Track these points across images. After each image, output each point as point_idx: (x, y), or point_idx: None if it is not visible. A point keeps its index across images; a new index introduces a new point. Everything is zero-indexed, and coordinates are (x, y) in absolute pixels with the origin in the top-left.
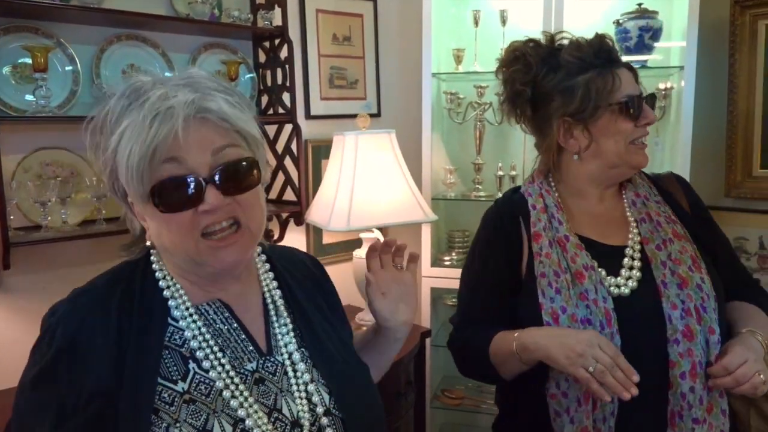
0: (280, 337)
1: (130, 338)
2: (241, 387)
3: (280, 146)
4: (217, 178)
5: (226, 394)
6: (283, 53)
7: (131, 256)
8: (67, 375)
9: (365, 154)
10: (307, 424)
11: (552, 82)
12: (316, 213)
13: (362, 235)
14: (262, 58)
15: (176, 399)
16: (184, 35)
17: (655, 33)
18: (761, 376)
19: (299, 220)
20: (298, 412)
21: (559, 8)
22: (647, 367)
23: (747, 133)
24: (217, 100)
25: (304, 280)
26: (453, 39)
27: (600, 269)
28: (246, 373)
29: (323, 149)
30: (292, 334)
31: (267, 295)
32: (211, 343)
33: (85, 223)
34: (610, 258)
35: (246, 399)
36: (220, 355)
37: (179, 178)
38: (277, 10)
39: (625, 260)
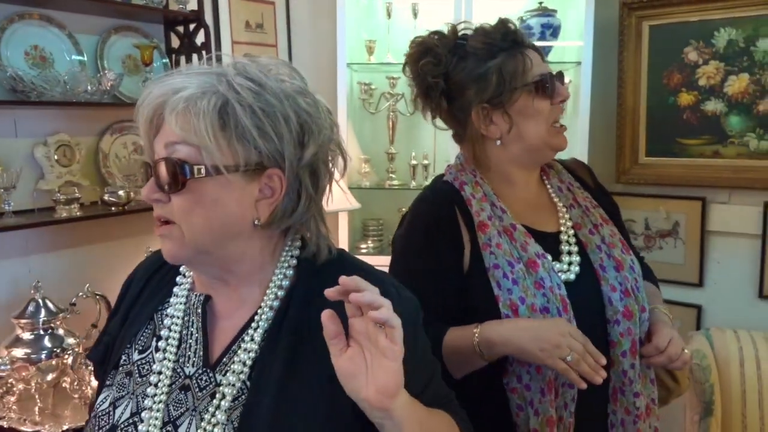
0: (236, 359)
1: (143, 299)
2: (164, 384)
3: None
4: (153, 170)
5: (150, 388)
6: (199, 39)
7: None
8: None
9: None
10: None
11: (464, 72)
12: None
13: None
14: (175, 43)
15: (126, 365)
16: (92, 16)
17: (555, 30)
18: (686, 351)
19: None
20: None
21: (468, 3)
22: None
23: (634, 124)
24: (178, 101)
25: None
26: (365, 30)
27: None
28: (180, 375)
29: None
30: (249, 363)
31: (259, 312)
32: (176, 332)
33: None
34: (547, 244)
35: (158, 398)
36: (174, 346)
37: (147, 162)
38: None
39: (563, 246)
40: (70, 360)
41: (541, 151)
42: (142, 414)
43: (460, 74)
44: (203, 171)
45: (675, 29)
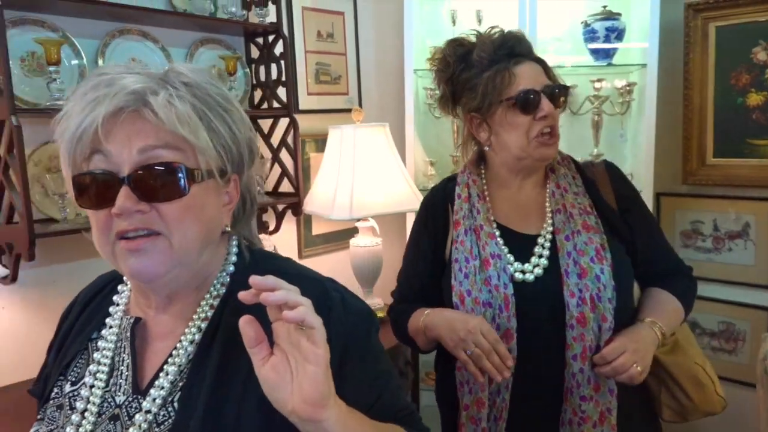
0: (162, 379)
1: (77, 327)
2: (91, 414)
3: (275, 140)
4: (129, 179)
5: (76, 417)
6: (278, 49)
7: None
8: (51, 342)
9: (363, 146)
10: None
11: (463, 80)
12: (314, 203)
13: (359, 224)
14: (254, 53)
15: (57, 398)
16: (181, 30)
17: (620, 33)
18: (638, 367)
19: (297, 210)
20: None
21: (532, 8)
22: (546, 346)
23: (701, 126)
24: (165, 96)
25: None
26: (430, 37)
27: (509, 255)
28: (111, 404)
29: (311, 143)
30: (177, 383)
31: (190, 325)
32: (107, 359)
33: None
34: (523, 245)
35: (83, 428)
36: (104, 374)
37: (93, 172)
38: (270, 7)
39: (536, 248)
40: None
41: (524, 161)
42: None
43: (461, 82)
44: (201, 176)
45: (742, 30)
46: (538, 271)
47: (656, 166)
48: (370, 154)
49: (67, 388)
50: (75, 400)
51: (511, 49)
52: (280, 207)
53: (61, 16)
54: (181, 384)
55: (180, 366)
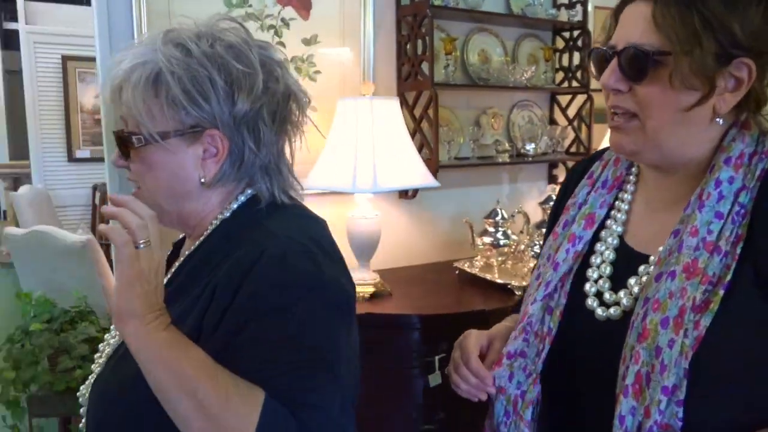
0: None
1: None
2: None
3: (571, 112)
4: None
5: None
6: (580, 41)
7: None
8: None
9: (379, 119)
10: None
11: None
12: (326, 178)
13: (357, 196)
14: (558, 44)
15: None
16: (513, 28)
17: None
18: None
19: None
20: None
21: None
22: (588, 414)
23: None
24: (123, 76)
25: (213, 262)
26: None
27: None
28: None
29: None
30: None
31: (178, 262)
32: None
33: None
34: (627, 265)
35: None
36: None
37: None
38: (577, 9)
39: (632, 279)
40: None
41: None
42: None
43: None
44: (143, 140)
45: None
46: (615, 311)
47: None
48: (385, 127)
49: None
50: None
51: None
52: None
53: (444, 20)
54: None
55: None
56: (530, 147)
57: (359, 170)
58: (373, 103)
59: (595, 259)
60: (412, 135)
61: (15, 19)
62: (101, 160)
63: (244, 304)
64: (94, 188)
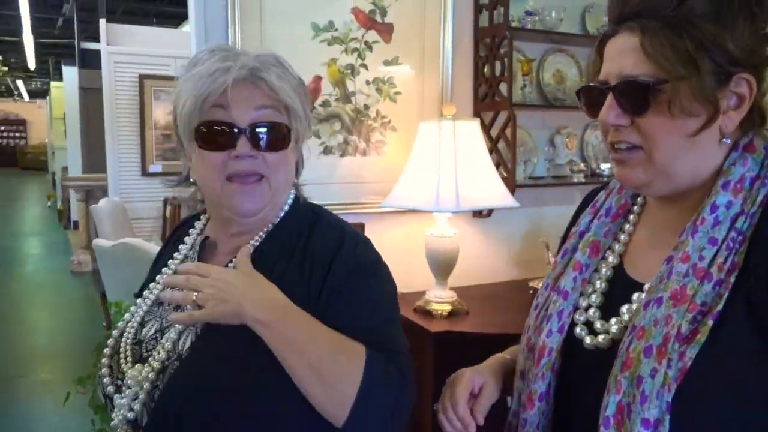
0: None
1: (168, 249)
2: (169, 306)
3: None
4: (249, 131)
5: (141, 304)
6: None
7: (176, 194)
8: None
9: (461, 140)
10: (156, 355)
11: None
12: (409, 198)
13: (436, 215)
14: None
15: (148, 297)
16: (586, 48)
17: None
18: None
19: None
20: (162, 342)
21: None
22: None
23: None
24: (270, 73)
25: (296, 252)
26: None
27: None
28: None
29: None
30: None
31: (251, 242)
32: (174, 263)
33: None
34: (621, 293)
35: (152, 313)
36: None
37: (220, 122)
38: None
39: (624, 306)
40: None
41: None
42: (132, 324)
43: None
44: (297, 137)
45: None
46: (602, 339)
47: None
48: (467, 147)
49: (155, 290)
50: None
51: (621, 6)
52: None
53: (520, 41)
54: None
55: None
56: (605, 167)
57: (442, 190)
58: (455, 124)
59: (587, 289)
60: (489, 154)
61: (92, 39)
62: (172, 173)
63: (341, 273)
64: (165, 201)
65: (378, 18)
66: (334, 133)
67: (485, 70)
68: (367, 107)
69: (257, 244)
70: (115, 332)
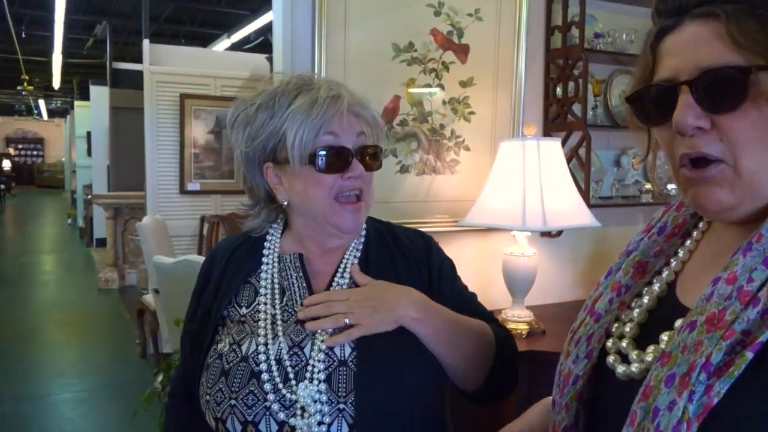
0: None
1: (229, 272)
2: (279, 321)
3: None
4: (360, 154)
5: (263, 323)
6: None
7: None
8: (201, 288)
9: (546, 159)
10: (315, 368)
11: None
12: (493, 216)
13: (514, 233)
14: None
15: (235, 318)
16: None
17: None
18: None
19: None
20: (313, 356)
21: None
22: None
23: None
24: (363, 104)
25: (396, 255)
26: None
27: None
28: (291, 314)
29: None
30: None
31: (345, 259)
32: (276, 286)
33: None
34: (660, 317)
35: (273, 331)
36: (277, 295)
37: (338, 147)
38: None
39: (665, 332)
40: None
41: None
42: (267, 345)
43: None
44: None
45: None
46: (637, 366)
47: None
48: (550, 167)
49: (243, 311)
50: (257, 314)
51: None
52: None
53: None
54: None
55: (342, 285)
56: (672, 187)
57: (528, 209)
58: (539, 144)
59: (623, 313)
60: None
61: (120, 59)
62: (209, 192)
63: (437, 263)
64: (202, 219)
65: (455, 39)
66: (411, 152)
67: (557, 90)
68: (442, 126)
69: (359, 254)
70: (233, 358)
